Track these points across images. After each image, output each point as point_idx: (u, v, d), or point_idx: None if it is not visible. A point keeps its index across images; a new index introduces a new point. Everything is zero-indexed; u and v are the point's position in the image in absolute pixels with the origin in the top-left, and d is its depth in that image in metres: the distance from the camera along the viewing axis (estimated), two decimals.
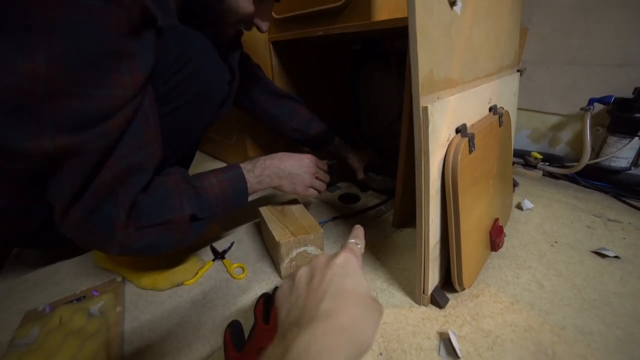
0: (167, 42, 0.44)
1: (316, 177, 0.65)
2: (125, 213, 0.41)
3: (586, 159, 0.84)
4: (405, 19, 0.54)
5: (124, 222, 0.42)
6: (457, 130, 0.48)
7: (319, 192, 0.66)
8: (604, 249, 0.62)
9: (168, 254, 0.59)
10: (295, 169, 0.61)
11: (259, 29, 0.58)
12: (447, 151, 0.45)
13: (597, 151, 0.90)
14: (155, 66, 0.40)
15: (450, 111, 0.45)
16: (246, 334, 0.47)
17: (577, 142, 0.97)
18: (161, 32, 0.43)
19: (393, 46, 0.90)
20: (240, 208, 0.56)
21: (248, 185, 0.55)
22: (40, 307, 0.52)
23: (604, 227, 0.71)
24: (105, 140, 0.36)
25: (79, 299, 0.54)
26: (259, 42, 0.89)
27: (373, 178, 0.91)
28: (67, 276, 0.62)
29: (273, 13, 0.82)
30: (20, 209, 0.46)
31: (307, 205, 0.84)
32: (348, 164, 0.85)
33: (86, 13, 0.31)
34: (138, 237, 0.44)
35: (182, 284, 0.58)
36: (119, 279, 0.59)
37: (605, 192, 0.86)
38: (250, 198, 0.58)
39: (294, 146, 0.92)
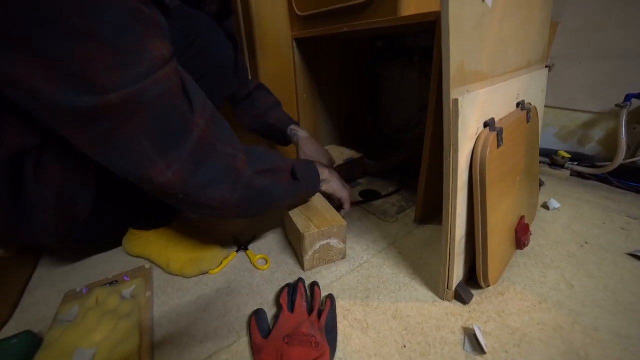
0: (174, 21, 0.45)
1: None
2: (243, 153, 0.44)
3: (621, 158, 0.80)
4: (433, 14, 0.54)
5: (245, 161, 0.44)
6: (486, 125, 0.47)
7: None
8: None
9: (194, 245, 0.62)
10: (335, 178, 0.68)
11: None
12: (475, 145, 0.45)
13: (633, 150, 0.85)
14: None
15: (480, 105, 0.45)
16: (270, 323, 0.48)
17: (610, 141, 0.92)
18: (169, 12, 0.44)
19: (417, 42, 0.89)
20: (312, 193, 0.64)
21: (319, 172, 0.62)
22: (78, 288, 0.55)
23: None
24: (161, 87, 0.36)
25: (111, 283, 0.57)
26: (282, 40, 0.91)
27: (370, 164, 0.91)
28: (100, 262, 0.66)
29: (297, 11, 0.84)
30: (72, 194, 0.48)
31: None
32: (298, 154, 0.81)
33: None
34: (257, 179, 0.46)
35: (207, 272, 0.60)
36: (147, 266, 0.62)
37: None
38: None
39: None
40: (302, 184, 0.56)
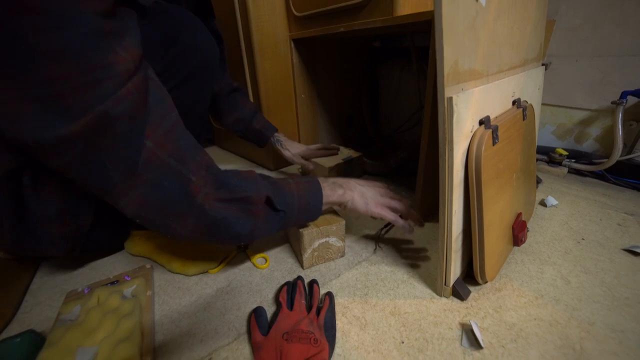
0: (151, 20, 0.43)
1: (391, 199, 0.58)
2: (198, 178, 0.40)
3: (617, 155, 0.81)
4: (428, 13, 0.54)
5: (200, 187, 0.40)
6: (481, 122, 0.48)
7: (402, 214, 0.57)
8: (637, 247, 0.60)
9: (195, 245, 0.63)
10: (366, 187, 0.57)
11: None
12: (470, 142, 0.45)
13: (630, 147, 0.86)
14: (144, 45, 0.38)
15: (474, 102, 0.45)
16: (269, 320, 0.49)
17: (607, 138, 0.93)
18: (144, 11, 0.42)
19: (414, 42, 0.90)
20: (312, 218, 0.54)
21: (323, 192, 0.53)
22: (79, 288, 0.56)
23: (637, 225, 0.68)
24: (124, 105, 0.34)
25: (112, 283, 0.58)
26: (280, 40, 0.91)
27: (369, 163, 0.92)
28: (101, 263, 0.66)
29: (294, 11, 0.84)
30: (74, 206, 0.48)
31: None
32: (284, 157, 0.89)
33: (69, 5, 0.30)
34: (216, 207, 0.42)
35: (208, 270, 0.61)
36: (148, 266, 0.63)
37: (639, 190, 0.82)
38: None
39: None
40: (288, 215, 0.49)
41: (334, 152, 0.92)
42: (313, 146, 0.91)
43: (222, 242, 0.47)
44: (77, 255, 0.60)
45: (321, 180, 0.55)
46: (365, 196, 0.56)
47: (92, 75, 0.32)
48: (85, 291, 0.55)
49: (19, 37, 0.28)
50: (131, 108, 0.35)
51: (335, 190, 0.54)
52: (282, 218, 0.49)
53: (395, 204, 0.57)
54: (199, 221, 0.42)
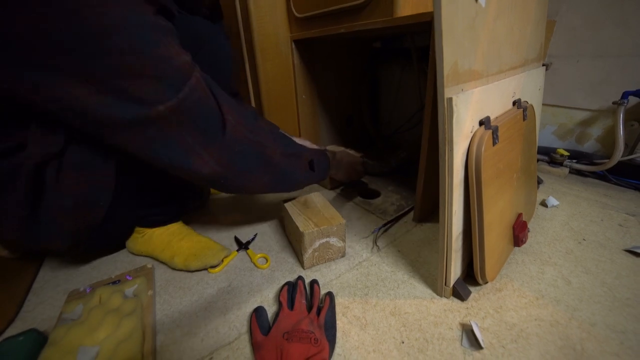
0: (182, 29, 0.49)
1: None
2: (271, 144, 0.53)
3: (618, 156, 0.81)
4: (428, 14, 0.55)
5: (273, 146, 0.53)
6: (481, 123, 0.48)
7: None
8: (639, 247, 0.60)
9: (198, 242, 0.63)
10: (350, 159, 0.81)
11: None
12: (470, 142, 0.45)
13: (631, 147, 0.86)
14: None
15: (474, 103, 0.45)
16: (270, 320, 0.49)
17: (608, 138, 0.93)
18: (174, 21, 0.47)
19: (414, 42, 0.90)
20: (321, 179, 0.69)
21: (330, 165, 0.71)
22: (81, 287, 0.56)
23: (638, 225, 0.68)
24: (197, 93, 0.42)
25: (114, 282, 0.58)
26: (281, 41, 0.92)
27: (370, 164, 0.93)
28: (103, 263, 0.67)
29: (295, 12, 0.85)
30: (89, 199, 0.50)
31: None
32: None
33: (134, 9, 0.37)
34: (283, 162, 0.55)
35: (209, 268, 0.61)
36: (149, 266, 0.63)
37: None
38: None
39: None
40: (315, 175, 0.65)
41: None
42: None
43: (283, 189, 0.61)
44: (82, 252, 0.62)
45: (330, 155, 0.73)
46: (348, 171, 0.80)
47: (161, 65, 0.38)
48: (87, 290, 0.55)
49: (91, 36, 0.34)
50: (203, 92, 0.43)
51: (334, 166, 0.75)
52: (312, 176, 0.65)
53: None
54: (273, 176, 0.55)
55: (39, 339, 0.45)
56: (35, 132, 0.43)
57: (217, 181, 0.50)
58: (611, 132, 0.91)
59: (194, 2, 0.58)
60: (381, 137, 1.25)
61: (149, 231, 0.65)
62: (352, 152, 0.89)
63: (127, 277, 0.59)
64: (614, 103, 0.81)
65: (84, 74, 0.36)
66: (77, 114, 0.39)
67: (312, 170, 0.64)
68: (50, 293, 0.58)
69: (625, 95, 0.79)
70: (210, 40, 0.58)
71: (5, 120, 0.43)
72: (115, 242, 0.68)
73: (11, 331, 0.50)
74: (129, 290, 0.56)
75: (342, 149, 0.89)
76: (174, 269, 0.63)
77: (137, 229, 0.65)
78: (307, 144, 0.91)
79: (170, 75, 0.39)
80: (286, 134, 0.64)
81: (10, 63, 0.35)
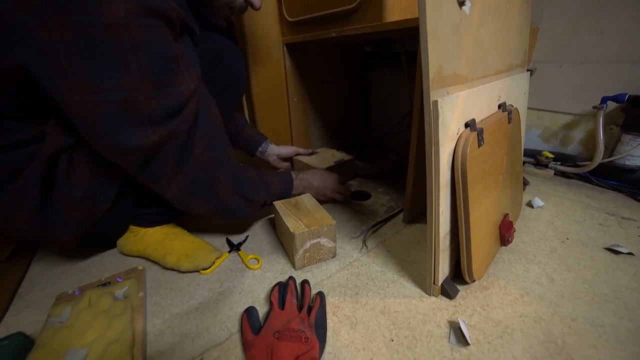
0: (202, 45, 0.54)
1: (338, 192, 0.82)
2: (225, 179, 0.57)
3: (599, 158, 0.84)
4: (416, 20, 0.56)
5: (224, 185, 0.57)
6: (467, 125, 0.49)
7: (338, 201, 0.84)
8: (617, 245, 0.62)
9: (190, 242, 0.64)
10: (321, 184, 0.79)
11: (252, 6, 0.63)
12: (456, 144, 0.47)
13: (611, 150, 0.89)
14: (199, 61, 0.51)
15: (460, 106, 0.47)
16: (261, 320, 0.49)
17: (590, 141, 0.96)
18: (195, 39, 0.52)
19: (404, 47, 0.92)
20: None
21: (294, 189, 0.75)
22: (70, 290, 0.55)
23: (617, 225, 0.71)
24: (187, 123, 0.47)
25: (104, 284, 0.57)
26: (273, 45, 0.93)
27: (361, 166, 0.94)
28: (91, 265, 0.66)
29: (287, 16, 0.86)
30: (97, 190, 0.52)
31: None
32: (269, 158, 0.96)
33: (154, 31, 0.40)
34: (230, 200, 0.59)
35: (200, 269, 0.61)
36: (140, 267, 0.63)
37: (620, 191, 0.85)
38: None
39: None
40: (268, 206, 0.70)
41: (308, 153, 1.01)
42: (291, 149, 0.98)
43: (227, 219, 0.66)
44: (82, 244, 0.65)
45: (294, 177, 0.75)
46: (318, 192, 0.79)
47: (163, 90, 0.43)
48: (77, 293, 0.55)
49: (109, 52, 0.38)
50: (190, 125, 0.48)
51: (298, 187, 0.76)
52: (268, 206, 0.70)
53: (337, 196, 0.83)
54: (217, 207, 0.59)
55: (25, 343, 0.45)
56: (54, 124, 0.45)
57: (173, 198, 0.55)
58: (592, 135, 0.94)
59: (212, 16, 0.60)
60: (372, 140, 1.26)
61: (143, 230, 0.65)
62: (328, 174, 0.82)
63: (118, 279, 0.59)
64: (594, 107, 0.85)
65: (92, 82, 0.39)
66: (80, 120, 0.42)
67: (264, 206, 0.69)
68: (37, 296, 0.57)
69: (604, 100, 0.83)
70: (227, 56, 0.65)
71: (30, 111, 0.46)
72: (109, 238, 0.67)
73: None
74: (119, 292, 0.55)
75: (320, 170, 0.83)
76: (165, 267, 0.62)
77: (131, 227, 0.65)
78: (283, 165, 0.96)
79: (169, 101, 0.44)
80: (258, 181, 0.66)
81: (51, 66, 0.37)
